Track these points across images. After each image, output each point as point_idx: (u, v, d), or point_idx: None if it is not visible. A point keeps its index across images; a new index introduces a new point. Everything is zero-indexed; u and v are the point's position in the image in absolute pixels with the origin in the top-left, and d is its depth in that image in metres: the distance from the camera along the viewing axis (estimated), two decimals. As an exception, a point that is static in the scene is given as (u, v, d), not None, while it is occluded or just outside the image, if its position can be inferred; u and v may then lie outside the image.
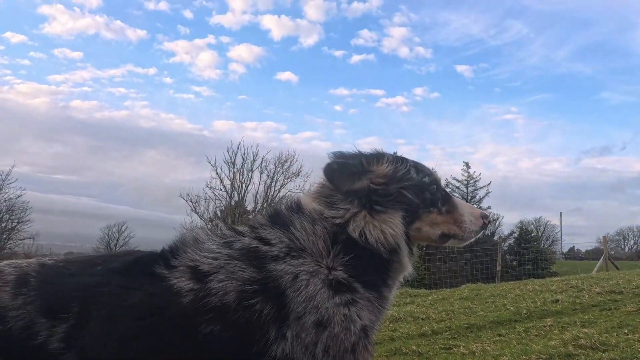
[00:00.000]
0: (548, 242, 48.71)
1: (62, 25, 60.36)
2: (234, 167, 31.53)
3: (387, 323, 7.24)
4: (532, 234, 39.36)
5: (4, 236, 35.76)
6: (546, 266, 27.97)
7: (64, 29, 62.59)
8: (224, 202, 31.58)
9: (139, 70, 63.75)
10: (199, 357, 1.86)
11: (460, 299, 9.24)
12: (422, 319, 7.66)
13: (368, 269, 2.03)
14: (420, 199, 2.15)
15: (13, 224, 36.26)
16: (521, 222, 41.05)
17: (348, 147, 2.28)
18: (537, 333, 6.17)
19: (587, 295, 8.14)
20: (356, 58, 62.01)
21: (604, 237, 22.30)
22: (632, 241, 63.24)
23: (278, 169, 31.79)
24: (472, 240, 2.29)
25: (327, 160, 2.18)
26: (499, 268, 20.19)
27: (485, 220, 2.28)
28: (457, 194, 37.97)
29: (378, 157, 2.19)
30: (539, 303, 7.92)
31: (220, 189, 31.28)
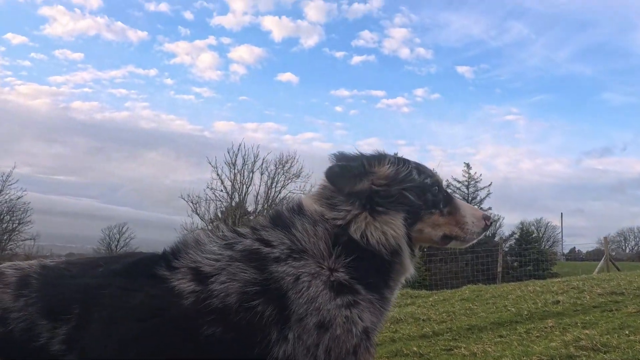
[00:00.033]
0: (549, 243, 48.74)
1: (62, 26, 60.80)
2: (234, 168, 31.66)
3: (388, 324, 7.23)
4: (533, 235, 39.43)
5: (5, 237, 35.81)
6: (547, 267, 27.99)
7: (65, 30, 62.88)
8: (224, 203, 31.67)
9: (139, 71, 64.07)
10: (200, 359, 1.85)
11: (461, 300, 9.22)
12: (423, 320, 7.64)
13: (370, 270, 2.03)
14: (422, 201, 2.14)
15: (14, 225, 36.38)
16: (522, 223, 41.19)
17: (349, 148, 2.27)
18: (538, 334, 6.15)
19: (588, 297, 8.12)
20: (357, 59, 62.31)
21: (605, 238, 22.26)
22: (633, 242, 63.28)
23: (279, 170, 31.92)
24: (474, 241, 2.29)
25: (328, 162, 2.18)
26: (499, 269, 20.14)
27: (488, 222, 2.27)
28: (458, 195, 37.89)
29: (379, 158, 2.18)
30: (540, 304, 7.90)
31: (221, 190, 31.40)
